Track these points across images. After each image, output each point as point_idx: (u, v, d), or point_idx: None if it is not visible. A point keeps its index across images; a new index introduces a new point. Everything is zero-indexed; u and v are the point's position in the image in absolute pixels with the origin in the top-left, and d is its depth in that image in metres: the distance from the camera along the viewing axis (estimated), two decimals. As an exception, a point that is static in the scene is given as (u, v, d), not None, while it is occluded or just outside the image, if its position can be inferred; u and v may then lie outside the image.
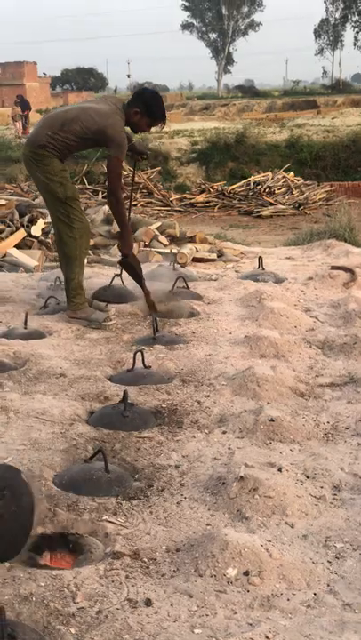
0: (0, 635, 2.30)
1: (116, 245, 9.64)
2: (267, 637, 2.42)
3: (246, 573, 2.80)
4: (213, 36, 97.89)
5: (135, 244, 9.53)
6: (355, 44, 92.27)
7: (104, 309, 6.17)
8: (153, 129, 6.26)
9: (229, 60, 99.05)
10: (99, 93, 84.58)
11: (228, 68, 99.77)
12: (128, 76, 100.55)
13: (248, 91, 77.15)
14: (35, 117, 41.26)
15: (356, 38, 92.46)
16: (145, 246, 9.62)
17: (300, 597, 2.72)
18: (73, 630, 2.50)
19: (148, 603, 2.65)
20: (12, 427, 4.07)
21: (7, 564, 2.84)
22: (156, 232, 10.03)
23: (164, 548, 3.01)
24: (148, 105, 5.93)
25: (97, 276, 7.92)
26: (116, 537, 3.06)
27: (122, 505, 3.32)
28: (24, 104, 38.85)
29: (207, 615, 2.59)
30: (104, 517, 3.21)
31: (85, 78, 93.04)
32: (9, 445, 3.83)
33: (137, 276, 6.36)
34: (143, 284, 6.34)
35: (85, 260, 6.43)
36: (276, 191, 22.58)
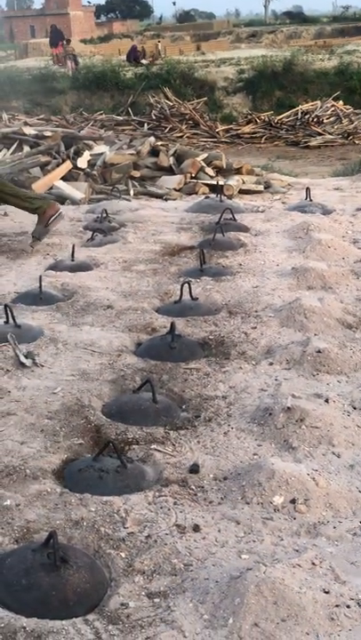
0: (53, 558, 2.37)
1: (162, 177, 9.58)
2: (313, 564, 2.46)
3: (293, 501, 2.83)
4: None
5: (182, 176, 9.45)
6: None
7: None
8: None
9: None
10: (143, 22, 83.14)
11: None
12: (174, 4, 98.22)
13: (296, 17, 75.00)
14: (79, 47, 39.96)
15: None
16: (192, 178, 9.52)
17: (346, 525, 2.75)
18: (123, 554, 2.57)
19: (196, 528, 2.70)
20: (61, 358, 4.12)
21: (58, 489, 2.91)
22: (203, 164, 9.88)
23: (211, 476, 3.05)
24: None
25: (144, 208, 7.90)
26: (165, 465, 3.11)
27: (169, 434, 3.37)
28: (56, 35, 35.38)
29: (254, 541, 2.64)
30: (152, 446, 3.26)
31: (130, 6, 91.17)
32: (58, 376, 3.89)
33: None
34: None
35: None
36: (325, 120, 22.05)
